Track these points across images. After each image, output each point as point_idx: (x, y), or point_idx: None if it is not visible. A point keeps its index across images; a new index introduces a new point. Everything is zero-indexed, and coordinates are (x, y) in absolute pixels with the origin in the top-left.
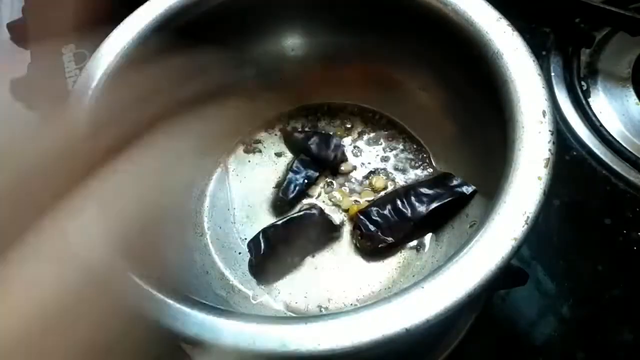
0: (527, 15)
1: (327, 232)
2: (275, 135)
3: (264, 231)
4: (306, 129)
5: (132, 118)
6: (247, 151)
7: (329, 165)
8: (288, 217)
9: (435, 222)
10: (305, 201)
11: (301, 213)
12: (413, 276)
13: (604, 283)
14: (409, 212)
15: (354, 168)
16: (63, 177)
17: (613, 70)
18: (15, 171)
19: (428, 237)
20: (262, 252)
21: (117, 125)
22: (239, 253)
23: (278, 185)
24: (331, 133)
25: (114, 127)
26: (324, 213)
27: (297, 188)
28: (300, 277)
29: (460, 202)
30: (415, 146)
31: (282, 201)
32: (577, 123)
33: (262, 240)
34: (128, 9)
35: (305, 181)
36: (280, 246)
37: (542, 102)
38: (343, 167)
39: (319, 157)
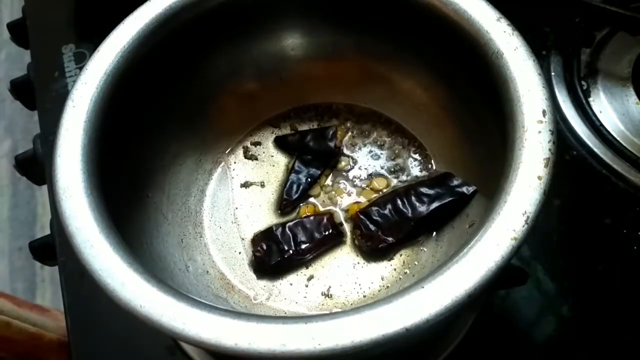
0: (527, 15)
1: (334, 239)
2: (275, 135)
3: (271, 229)
4: (300, 130)
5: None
6: (247, 151)
7: (332, 156)
8: (298, 219)
9: (436, 222)
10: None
11: (311, 216)
12: (413, 276)
13: (604, 283)
14: (409, 212)
15: (354, 167)
16: None
17: (613, 70)
18: None
19: (428, 237)
20: (265, 248)
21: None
22: (239, 253)
23: (279, 185)
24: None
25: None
26: (333, 219)
27: (301, 187)
28: (301, 277)
29: (460, 203)
30: (415, 146)
31: (286, 202)
32: (577, 123)
33: (268, 237)
34: (128, 9)
35: (308, 179)
36: (285, 246)
37: (542, 101)
38: (343, 164)
39: (320, 150)
